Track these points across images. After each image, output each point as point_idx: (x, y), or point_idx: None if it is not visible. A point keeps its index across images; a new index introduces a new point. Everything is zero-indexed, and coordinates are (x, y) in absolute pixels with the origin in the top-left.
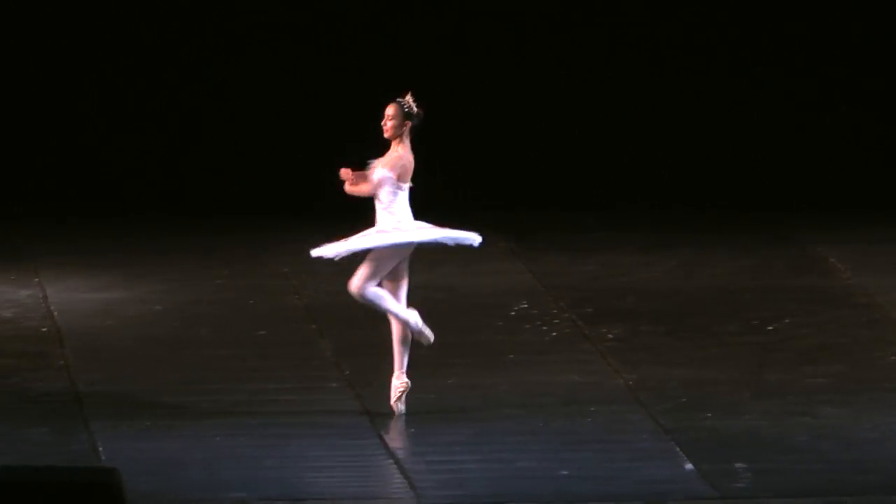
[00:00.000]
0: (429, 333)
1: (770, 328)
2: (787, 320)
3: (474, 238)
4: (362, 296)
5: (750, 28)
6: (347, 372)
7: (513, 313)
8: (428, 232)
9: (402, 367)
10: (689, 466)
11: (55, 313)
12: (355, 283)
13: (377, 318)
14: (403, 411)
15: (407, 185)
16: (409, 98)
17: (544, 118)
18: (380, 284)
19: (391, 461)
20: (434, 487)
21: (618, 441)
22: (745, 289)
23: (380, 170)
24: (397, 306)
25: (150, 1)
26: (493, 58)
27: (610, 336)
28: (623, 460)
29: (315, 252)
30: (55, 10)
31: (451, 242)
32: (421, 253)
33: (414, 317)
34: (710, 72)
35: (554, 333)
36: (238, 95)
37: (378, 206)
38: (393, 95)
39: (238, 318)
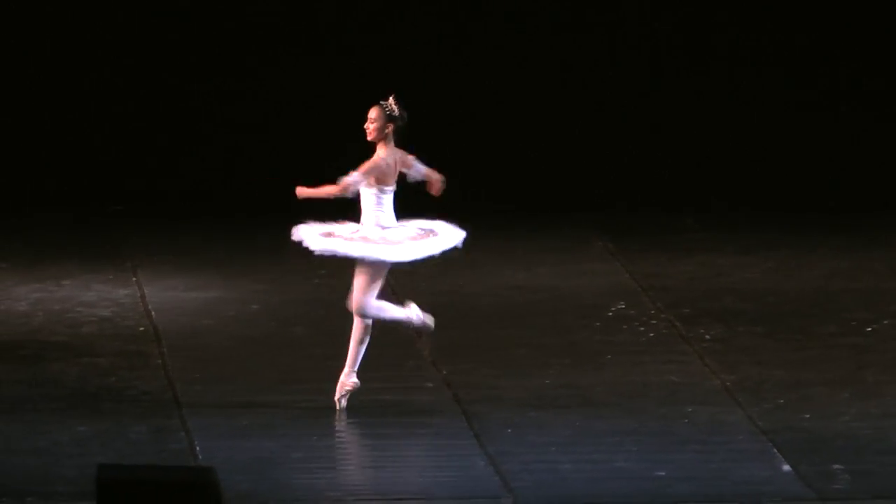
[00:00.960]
0: (430, 321)
1: (868, 329)
2: (885, 321)
3: (457, 238)
4: (364, 314)
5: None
6: (444, 372)
7: (610, 314)
8: (414, 250)
9: (353, 367)
10: (786, 467)
11: (153, 312)
12: (355, 302)
13: (474, 318)
14: (345, 407)
15: (390, 188)
16: (391, 100)
17: (642, 117)
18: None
19: (487, 461)
20: (530, 487)
21: (715, 442)
22: (844, 290)
23: (353, 174)
24: (398, 310)
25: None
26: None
27: (707, 337)
28: (720, 461)
29: (296, 236)
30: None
31: (437, 253)
32: (519, 254)
33: (414, 310)
34: (796, 76)
35: (651, 334)
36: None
37: (363, 207)
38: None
39: (335, 317)
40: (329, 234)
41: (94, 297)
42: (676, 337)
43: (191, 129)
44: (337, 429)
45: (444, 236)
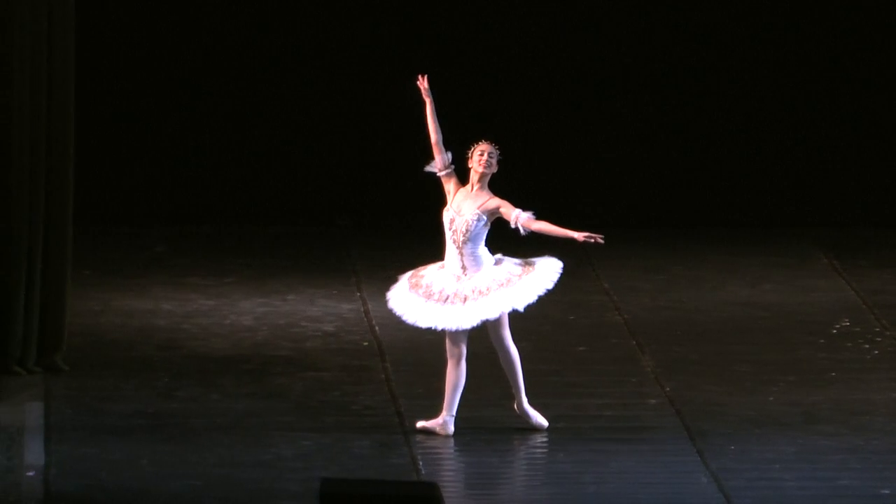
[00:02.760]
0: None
1: None
2: None
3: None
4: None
5: None
6: (668, 388)
7: (834, 331)
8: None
9: (450, 410)
10: None
11: (377, 328)
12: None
13: (698, 334)
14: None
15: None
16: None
17: (866, 135)
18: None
19: (710, 477)
20: None
21: None
22: None
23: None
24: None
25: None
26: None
27: None
28: None
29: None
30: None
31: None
32: (743, 269)
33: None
34: None
35: (876, 352)
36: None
37: (474, 248)
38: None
39: (559, 333)
40: (415, 285)
41: (318, 311)
42: None
43: (408, 146)
44: (559, 444)
45: (514, 292)
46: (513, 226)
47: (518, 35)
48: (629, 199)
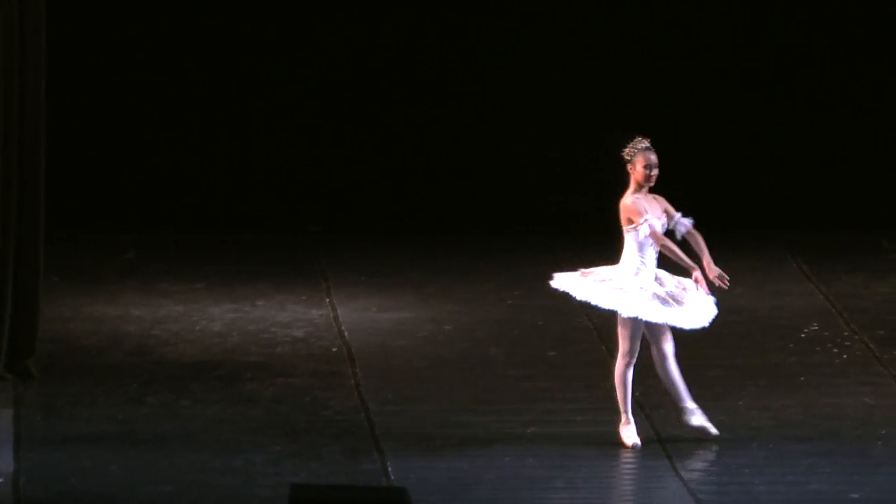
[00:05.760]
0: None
1: None
2: None
3: (704, 320)
4: (623, 381)
5: None
6: (637, 393)
7: (804, 335)
8: (658, 314)
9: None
10: None
11: (346, 333)
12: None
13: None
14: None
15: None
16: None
17: (834, 137)
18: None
19: (681, 482)
20: None
21: None
22: None
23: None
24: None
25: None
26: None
27: None
28: None
29: (555, 283)
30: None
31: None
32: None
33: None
34: None
35: (846, 356)
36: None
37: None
38: None
39: (529, 338)
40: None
41: (288, 317)
42: (871, 358)
43: (388, 150)
44: (530, 450)
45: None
46: (672, 226)
47: (520, 45)
48: (599, 202)
